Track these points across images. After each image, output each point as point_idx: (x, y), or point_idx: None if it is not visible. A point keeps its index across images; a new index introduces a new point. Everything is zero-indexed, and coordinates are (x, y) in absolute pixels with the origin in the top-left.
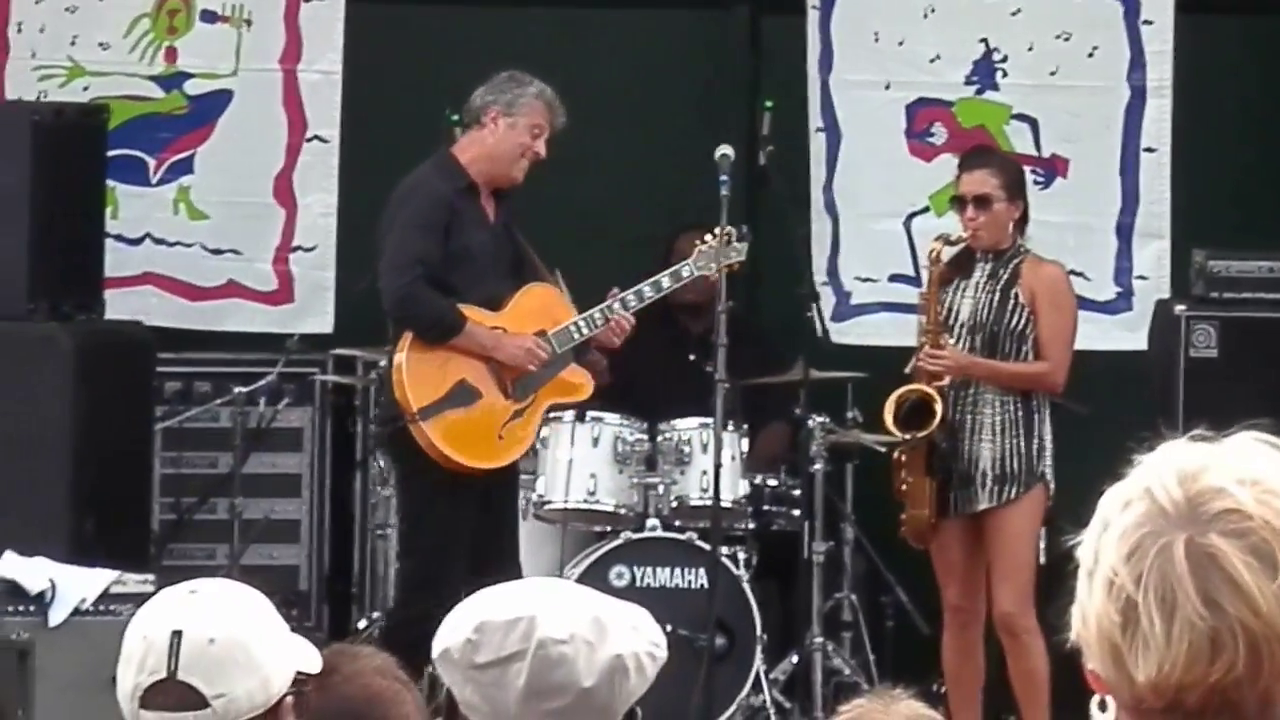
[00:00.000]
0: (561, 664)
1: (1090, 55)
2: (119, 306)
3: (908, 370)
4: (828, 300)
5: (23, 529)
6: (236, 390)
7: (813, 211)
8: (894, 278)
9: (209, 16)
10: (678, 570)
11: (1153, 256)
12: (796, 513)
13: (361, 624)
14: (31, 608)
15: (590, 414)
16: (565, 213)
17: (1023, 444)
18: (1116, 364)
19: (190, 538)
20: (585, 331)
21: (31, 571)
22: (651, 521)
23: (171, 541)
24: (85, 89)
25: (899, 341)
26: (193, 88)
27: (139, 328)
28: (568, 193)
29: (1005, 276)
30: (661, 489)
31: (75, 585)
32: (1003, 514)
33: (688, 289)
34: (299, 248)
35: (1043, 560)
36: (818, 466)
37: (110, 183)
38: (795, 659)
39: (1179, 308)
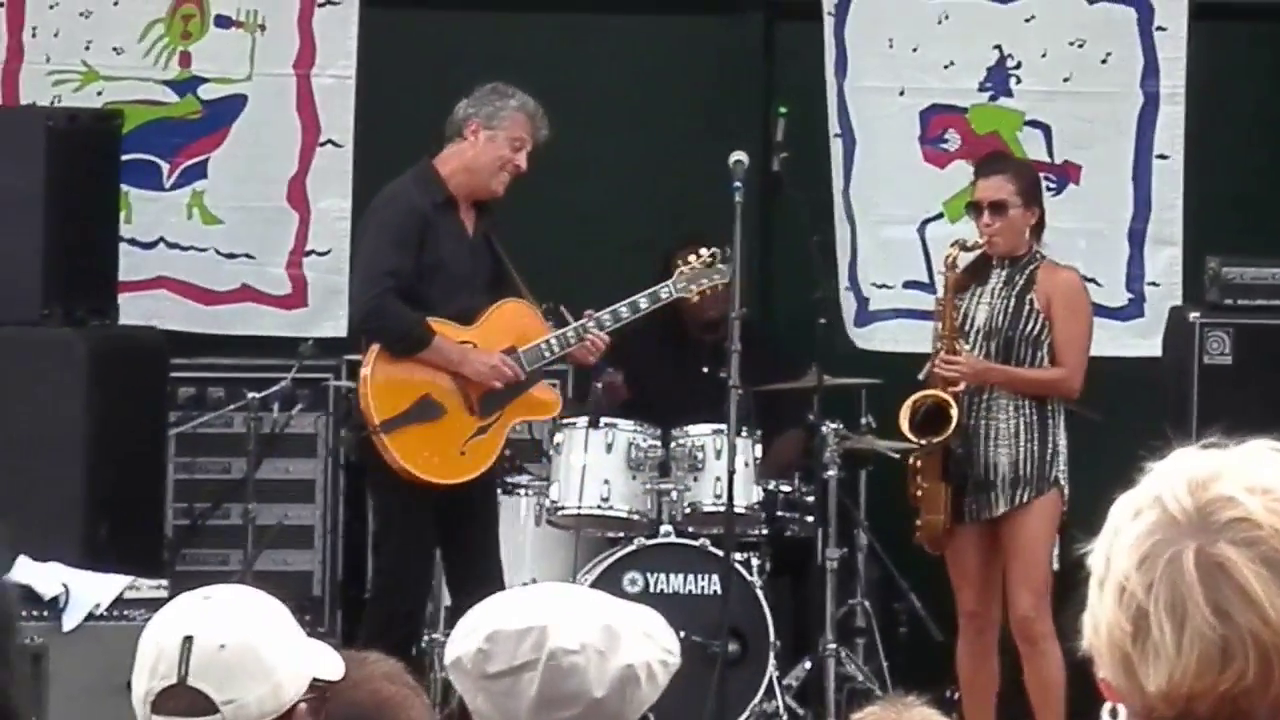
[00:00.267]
0: (573, 674)
1: (1104, 62)
2: (132, 310)
3: (922, 376)
4: (849, 306)
5: (36, 534)
6: (250, 395)
7: (836, 218)
8: (909, 284)
9: (223, 21)
10: (691, 576)
11: (1165, 263)
12: (810, 519)
13: None
14: (45, 613)
15: (604, 420)
16: (578, 218)
17: (1036, 449)
18: (1130, 370)
19: (204, 543)
20: (556, 350)
21: (45, 576)
22: (665, 528)
23: (185, 547)
24: (99, 94)
25: (914, 348)
26: (207, 92)
27: (153, 333)
28: (581, 198)
29: (1021, 283)
30: (675, 495)
31: (89, 590)
32: (1018, 518)
33: (704, 303)
34: (312, 252)
35: (1056, 567)
36: (831, 472)
37: (124, 187)
38: (808, 665)
39: (1193, 314)
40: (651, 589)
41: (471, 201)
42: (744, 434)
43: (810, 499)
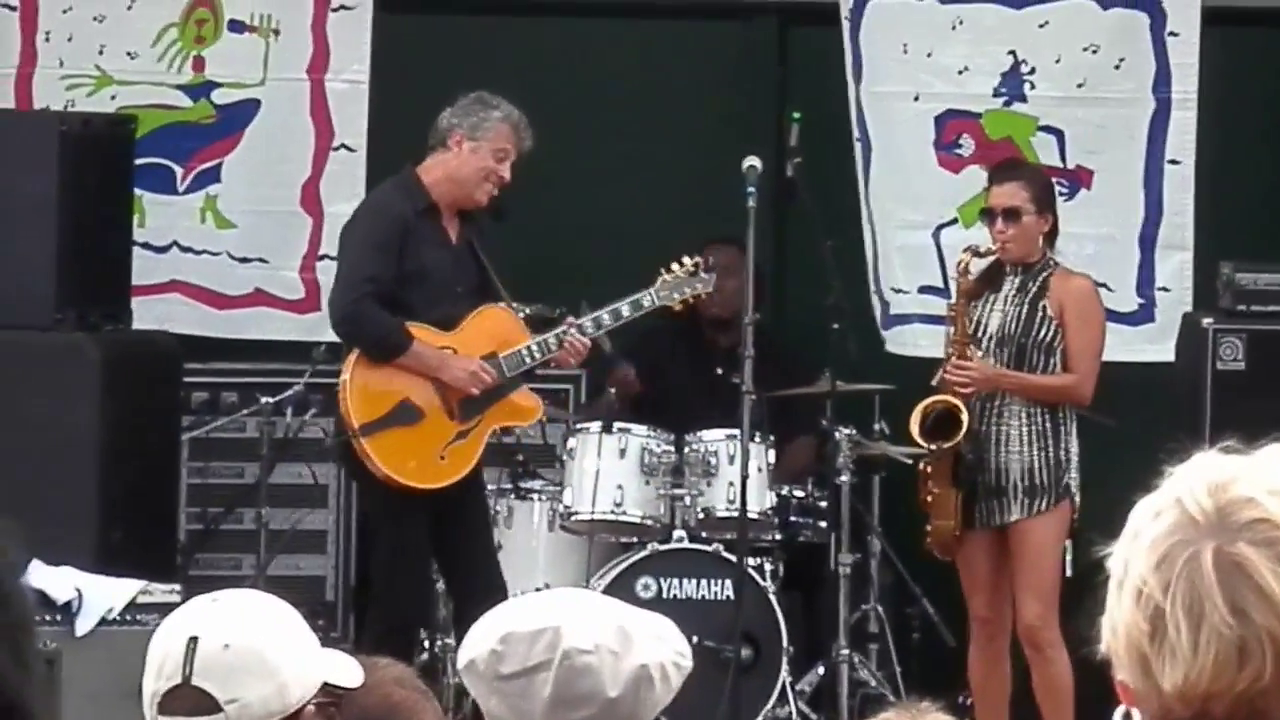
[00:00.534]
0: (587, 674)
1: (1117, 67)
2: (145, 314)
3: (935, 382)
4: (878, 309)
5: (50, 538)
6: (263, 400)
7: (864, 222)
8: (924, 289)
9: (237, 26)
10: (704, 581)
11: (1175, 268)
12: (823, 524)
13: None
14: (58, 617)
15: (617, 425)
16: (591, 224)
17: (1050, 456)
18: (1143, 376)
19: (217, 548)
20: (537, 356)
21: (58, 581)
22: (678, 533)
23: (198, 551)
24: (113, 98)
25: (929, 352)
26: (220, 97)
27: (166, 337)
28: (595, 204)
29: (1034, 290)
30: (688, 500)
31: (102, 595)
32: (1029, 526)
33: (713, 304)
34: (325, 256)
35: (1069, 573)
36: (844, 478)
37: (137, 191)
38: (821, 671)
39: (1206, 320)
40: (664, 594)
41: (454, 210)
42: (757, 439)
43: (823, 504)
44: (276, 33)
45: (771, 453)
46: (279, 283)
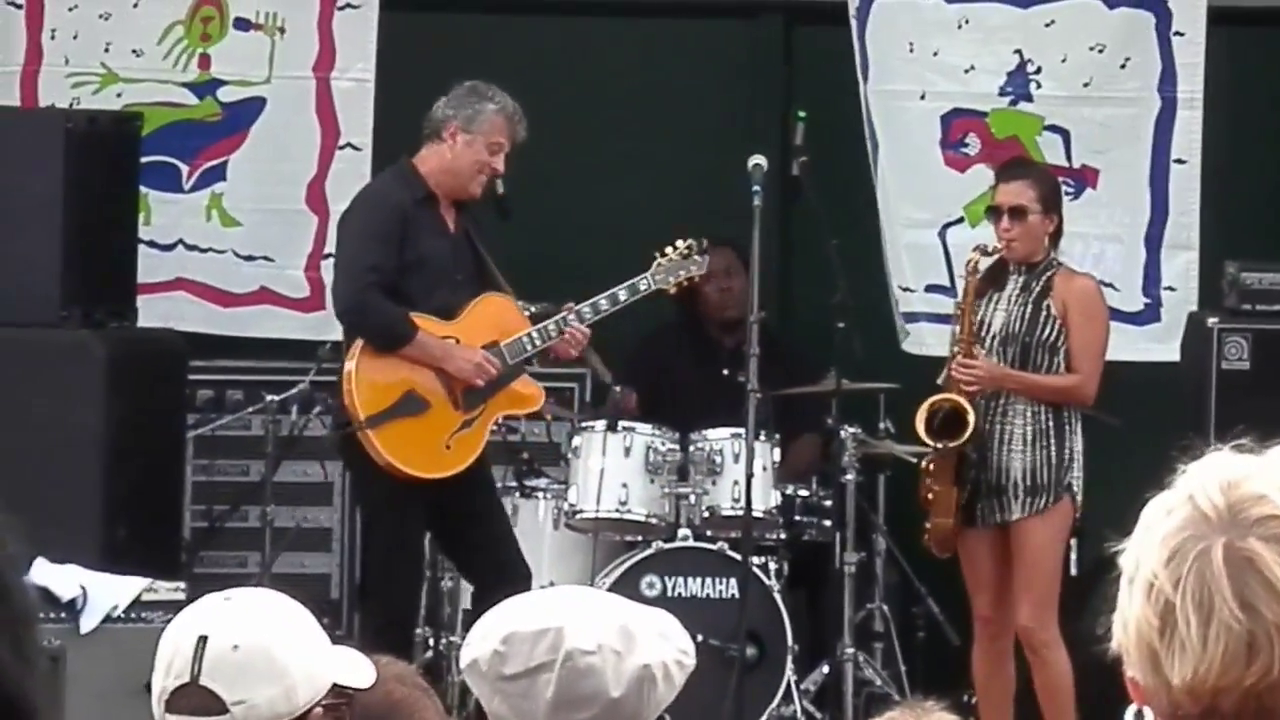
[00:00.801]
0: (590, 675)
1: (1123, 67)
2: (151, 312)
3: (940, 381)
4: (894, 306)
5: (54, 536)
6: (268, 398)
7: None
8: (930, 288)
9: (242, 24)
10: (709, 580)
11: (1181, 268)
12: (828, 523)
13: None
14: (63, 615)
15: (622, 424)
16: (595, 222)
17: (1052, 454)
18: (1148, 376)
19: (222, 546)
20: (538, 344)
21: (63, 578)
22: (683, 531)
23: (203, 549)
24: (119, 96)
25: (934, 351)
26: (226, 95)
27: (171, 335)
28: (598, 202)
29: (1038, 289)
30: (693, 499)
31: (106, 593)
32: (1029, 525)
33: (721, 304)
34: (331, 255)
35: (1074, 572)
36: (849, 477)
37: (143, 189)
38: (826, 669)
39: (1211, 320)
40: (669, 593)
41: (452, 199)
42: (762, 438)
43: (828, 503)
44: (282, 31)
45: (776, 451)
46: (284, 281)
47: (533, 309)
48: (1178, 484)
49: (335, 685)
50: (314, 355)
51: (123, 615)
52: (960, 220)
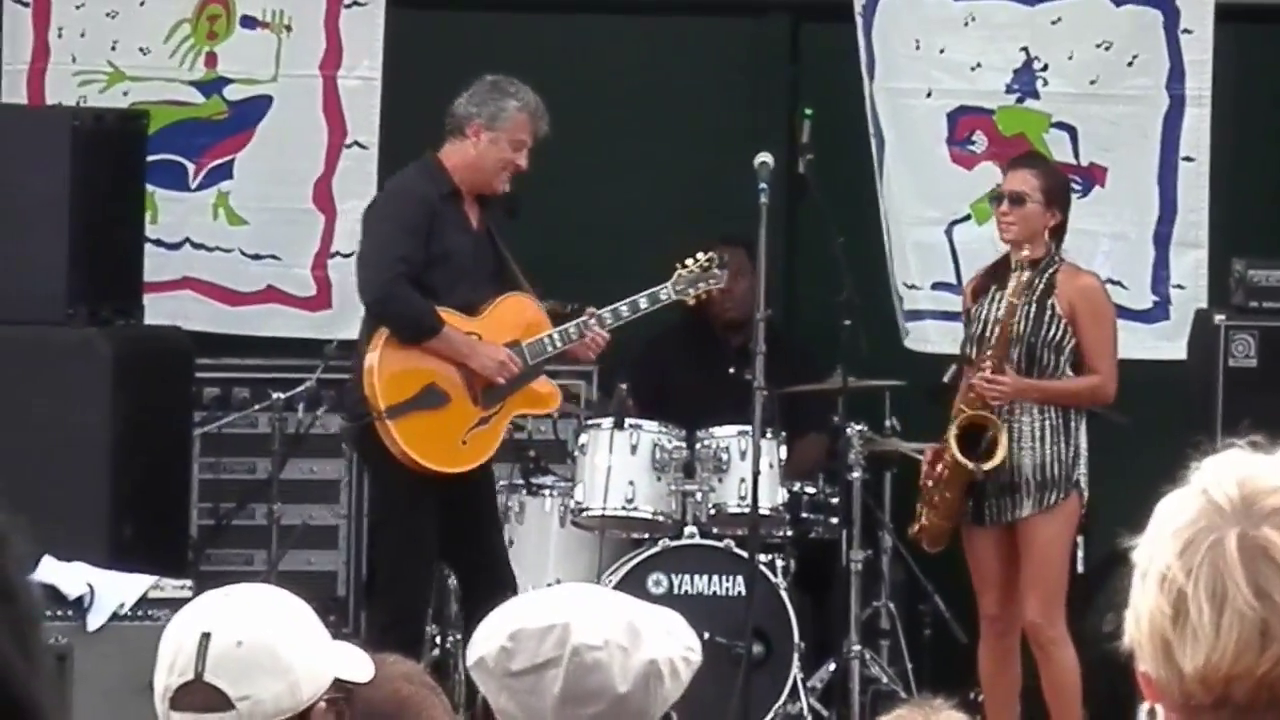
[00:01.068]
0: (596, 670)
1: (1130, 64)
2: (157, 311)
3: (946, 379)
4: (897, 305)
5: (61, 533)
6: (275, 396)
7: (882, 218)
8: (936, 285)
9: (249, 22)
10: (715, 578)
11: (1190, 266)
12: (834, 521)
13: None
14: (70, 612)
15: (629, 421)
16: (603, 220)
17: (1061, 451)
18: (1155, 373)
19: (228, 543)
20: (559, 345)
21: (70, 576)
22: (689, 529)
23: (210, 547)
24: (125, 94)
25: (941, 349)
26: (232, 93)
27: (178, 333)
28: (607, 199)
29: (1041, 287)
30: (699, 496)
31: (113, 590)
32: (1036, 522)
33: (725, 304)
34: (338, 253)
35: (1081, 570)
36: (856, 474)
37: (150, 188)
38: (833, 667)
39: (1218, 317)
40: (676, 590)
41: (475, 195)
42: (768, 435)
43: (834, 501)
44: (289, 29)
45: (783, 449)
46: (291, 280)
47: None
48: (1192, 479)
49: (336, 680)
50: (321, 352)
51: (129, 613)
52: (967, 218)
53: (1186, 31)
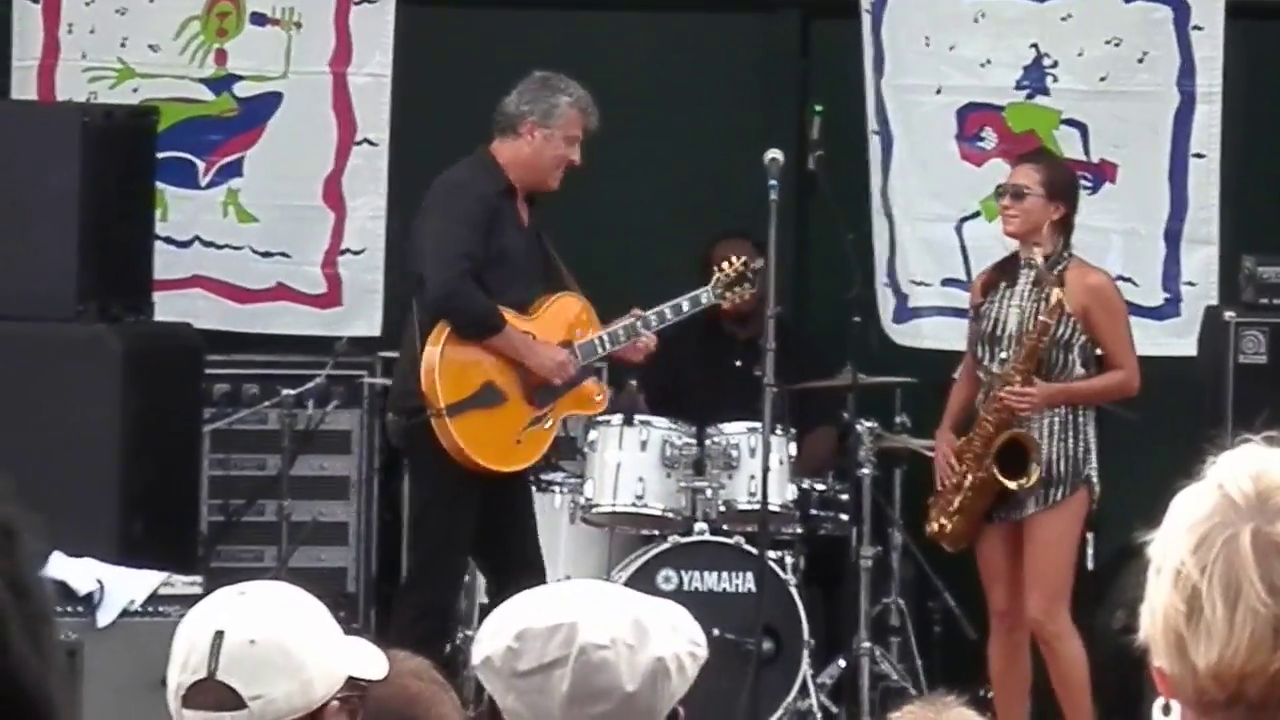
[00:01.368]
0: (604, 669)
1: (1140, 61)
2: (167, 309)
3: (956, 375)
4: (887, 303)
5: (71, 530)
6: (284, 393)
7: (873, 214)
8: (946, 281)
9: (259, 19)
10: (725, 574)
11: (1201, 262)
12: (844, 517)
13: None
14: (80, 609)
15: (639, 418)
16: (614, 216)
17: (1070, 447)
18: (1165, 370)
19: (238, 540)
20: (609, 347)
21: (80, 572)
22: (699, 525)
23: (219, 543)
24: (135, 91)
25: (951, 345)
26: (242, 90)
27: (188, 329)
28: (616, 197)
29: (1061, 291)
30: (709, 493)
31: (123, 586)
32: (1043, 518)
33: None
34: (348, 251)
35: (1091, 566)
36: (865, 471)
37: (159, 185)
38: (842, 664)
39: (1228, 314)
40: (685, 587)
41: (526, 193)
42: (778, 432)
43: (844, 497)
44: (299, 25)
45: (793, 445)
46: (301, 278)
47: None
48: (1207, 475)
49: (349, 678)
50: (330, 349)
51: (139, 609)
52: (977, 214)
53: (1197, 28)
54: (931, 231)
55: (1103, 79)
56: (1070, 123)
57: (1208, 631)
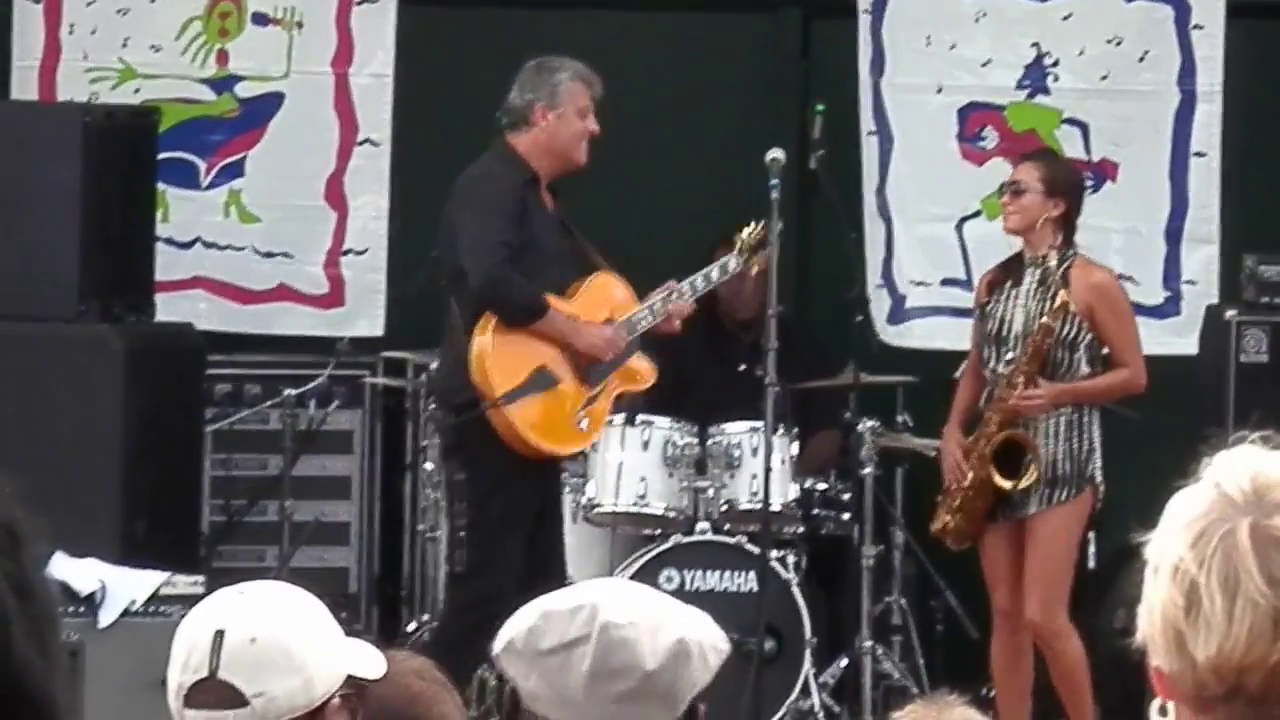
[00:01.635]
0: (625, 646)
1: (1141, 60)
2: (169, 311)
3: (958, 375)
4: (882, 304)
5: (73, 530)
6: (286, 393)
7: (866, 215)
8: (946, 281)
9: (260, 19)
10: (727, 574)
11: (1202, 261)
12: (846, 516)
13: (411, 626)
14: (81, 609)
15: (641, 417)
16: (615, 215)
17: (1074, 447)
18: (1166, 369)
19: (240, 540)
20: (650, 320)
21: (82, 573)
22: (701, 525)
23: (221, 543)
24: (136, 91)
25: (952, 345)
26: (244, 90)
27: (189, 329)
28: (618, 195)
29: (1055, 284)
30: (711, 493)
31: (125, 586)
32: (1045, 517)
33: (738, 300)
34: (350, 251)
35: (1092, 565)
36: (868, 470)
37: (161, 186)
38: (844, 663)
39: (1229, 313)
40: (688, 586)
41: (551, 179)
42: (781, 431)
43: (846, 497)
44: (300, 25)
45: (795, 445)
46: (303, 278)
47: None
48: (1204, 474)
49: (349, 676)
50: (332, 349)
51: (141, 609)
52: (978, 214)
53: (1197, 27)
54: (931, 231)
55: (1103, 78)
56: (1071, 122)
57: (1207, 624)
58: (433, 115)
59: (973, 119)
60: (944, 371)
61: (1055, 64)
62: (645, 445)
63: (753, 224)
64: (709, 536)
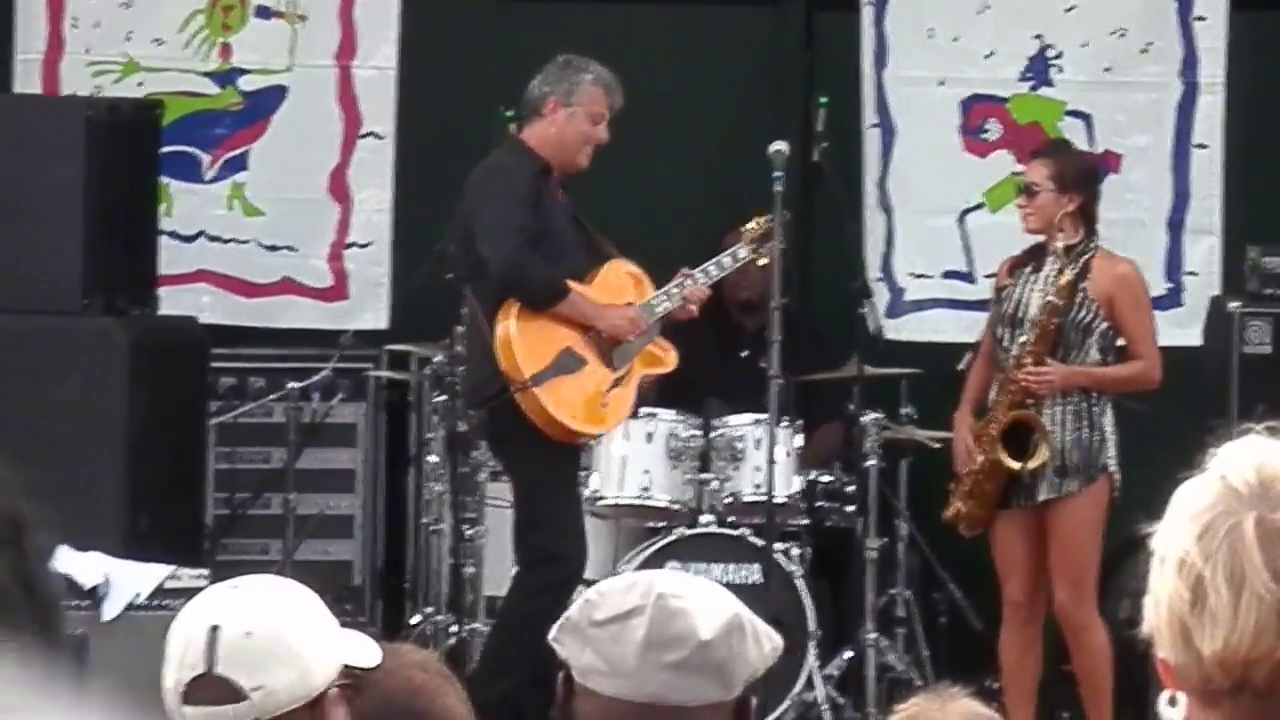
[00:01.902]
0: (680, 616)
1: (1144, 51)
2: (173, 305)
3: (961, 366)
4: (882, 296)
5: (77, 524)
6: (290, 386)
7: (866, 208)
8: (948, 274)
9: (263, 12)
10: (731, 566)
11: (1204, 253)
12: (850, 509)
13: (415, 619)
14: (85, 602)
15: (644, 410)
16: (620, 207)
17: (1085, 436)
18: (1170, 360)
19: (244, 533)
20: (668, 305)
21: (86, 566)
22: (705, 518)
23: (225, 536)
24: (140, 85)
25: (953, 337)
26: (247, 84)
27: (193, 323)
28: (622, 188)
29: (1075, 272)
30: (715, 485)
31: (129, 580)
32: (1063, 507)
33: (741, 288)
34: (354, 244)
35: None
36: (872, 462)
37: (164, 179)
38: (848, 655)
39: (1232, 304)
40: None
41: (559, 173)
42: (785, 424)
43: (850, 489)
44: (303, 19)
45: (799, 437)
46: (307, 271)
47: None
48: (1210, 466)
49: (345, 666)
50: (336, 342)
51: (145, 603)
52: (980, 206)
53: (1200, 19)
54: (934, 223)
55: (1107, 70)
56: (1075, 114)
57: (1213, 618)
58: (437, 108)
59: (976, 111)
60: (948, 364)
61: (1058, 56)
62: (649, 438)
63: (760, 220)
64: (713, 529)
